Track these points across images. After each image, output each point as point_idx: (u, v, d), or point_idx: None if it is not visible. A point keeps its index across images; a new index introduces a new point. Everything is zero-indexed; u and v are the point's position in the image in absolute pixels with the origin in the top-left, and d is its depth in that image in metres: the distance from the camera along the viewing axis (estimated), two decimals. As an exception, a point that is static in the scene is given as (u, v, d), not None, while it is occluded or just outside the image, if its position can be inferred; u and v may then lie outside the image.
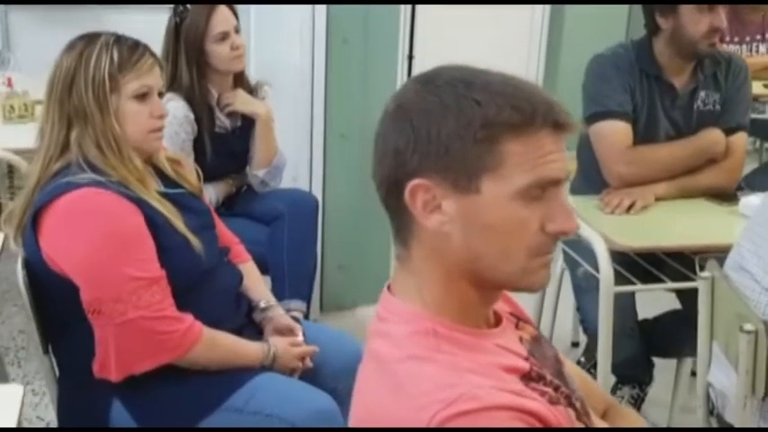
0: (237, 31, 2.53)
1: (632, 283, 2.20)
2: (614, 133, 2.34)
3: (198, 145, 2.50)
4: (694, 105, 2.39)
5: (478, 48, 5.07)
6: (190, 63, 2.47)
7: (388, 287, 1.05)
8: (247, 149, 2.64)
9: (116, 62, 1.67)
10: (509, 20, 5.25)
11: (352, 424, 1.03)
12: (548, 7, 5.29)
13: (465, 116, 0.94)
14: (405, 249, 1.01)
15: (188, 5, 2.49)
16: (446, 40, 5.01)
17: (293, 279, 2.54)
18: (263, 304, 1.92)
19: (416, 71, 4.32)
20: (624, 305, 2.31)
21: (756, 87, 3.84)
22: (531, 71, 5.42)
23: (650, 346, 2.45)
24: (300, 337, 1.87)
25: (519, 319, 1.14)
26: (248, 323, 1.89)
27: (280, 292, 2.47)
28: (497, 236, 0.95)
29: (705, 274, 1.75)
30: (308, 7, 2.92)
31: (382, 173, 0.99)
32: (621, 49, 2.43)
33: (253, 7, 3.60)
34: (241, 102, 2.56)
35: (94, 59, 1.67)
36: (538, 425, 0.91)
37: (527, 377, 0.98)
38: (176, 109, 2.41)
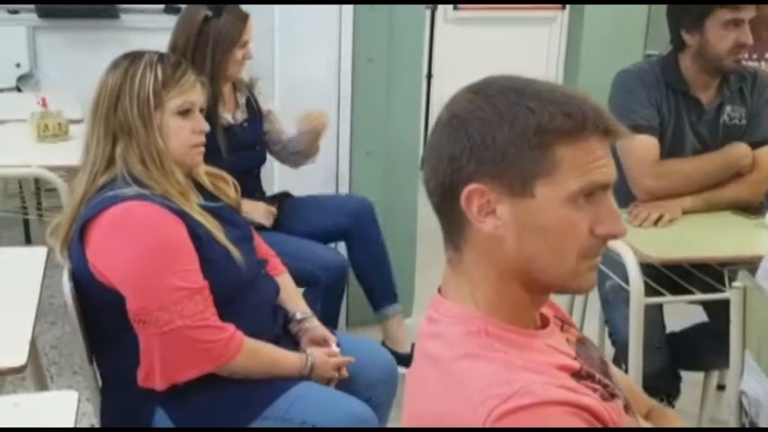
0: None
1: (661, 296, 2.22)
2: (641, 147, 2.36)
3: (210, 143, 2.51)
4: (720, 120, 2.42)
5: (495, 68, 5.13)
6: (215, 62, 2.50)
7: (439, 290, 1.09)
8: (258, 141, 2.69)
9: (160, 79, 1.72)
10: (526, 40, 5.33)
11: (407, 423, 1.06)
12: (565, 28, 5.36)
13: (519, 123, 0.98)
14: (457, 253, 1.05)
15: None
16: (463, 61, 5.09)
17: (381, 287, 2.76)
18: (299, 315, 1.96)
19: (435, 90, 4.42)
20: (652, 318, 2.33)
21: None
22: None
23: (677, 359, 2.47)
24: (336, 348, 1.90)
25: (563, 323, 1.17)
26: (284, 334, 1.93)
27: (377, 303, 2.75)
28: (550, 238, 0.99)
29: (737, 284, 1.77)
30: (334, 26, 2.98)
31: (437, 179, 1.03)
32: (647, 65, 2.47)
33: (278, 25, 3.66)
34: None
35: (139, 77, 1.72)
36: (592, 420, 0.94)
37: (578, 375, 1.01)
38: None
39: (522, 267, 1.01)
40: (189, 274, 1.66)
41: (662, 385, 2.51)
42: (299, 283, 2.60)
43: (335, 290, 2.66)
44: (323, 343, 1.91)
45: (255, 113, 2.70)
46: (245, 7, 2.61)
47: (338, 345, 1.93)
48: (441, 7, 5.05)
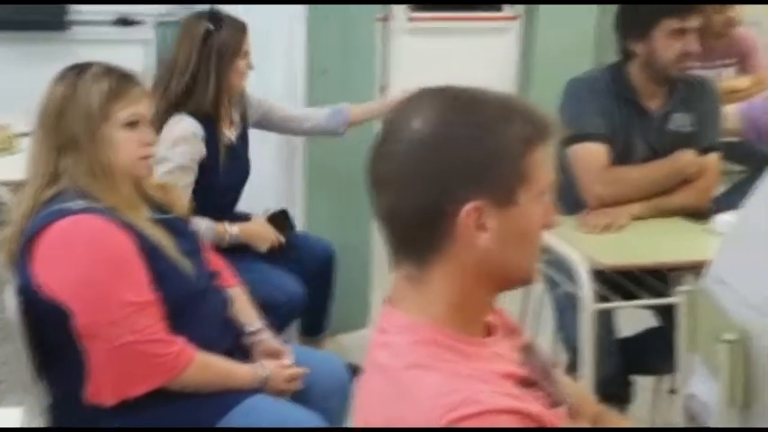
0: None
1: (611, 302, 2.24)
2: (591, 155, 2.40)
3: (209, 162, 2.51)
4: (668, 127, 2.46)
5: (451, 79, 5.16)
6: (219, 76, 2.50)
7: (389, 301, 1.09)
8: (247, 155, 2.70)
9: (107, 91, 1.70)
10: (480, 50, 5.37)
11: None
12: (519, 38, 5.42)
13: (501, 134, 1.00)
14: (422, 269, 1.03)
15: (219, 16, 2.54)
16: (418, 72, 5.10)
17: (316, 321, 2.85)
18: (252, 328, 1.95)
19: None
20: (603, 323, 2.36)
21: (734, 109, 3.95)
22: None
23: (629, 364, 2.49)
24: (290, 360, 1.89)
25: (511, 330, 1.18)
26: (237, 347, 1.91)
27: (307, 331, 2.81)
28: (530, 240, 1.04)
29: (684, 288, 1.80)
30: (288, 37, 2.98)
31: (416, 201, 1.00)
32: (597, 73, 2.51)
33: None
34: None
35: (86, 89, 1.70)
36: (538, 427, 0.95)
37: (524, 383, 1.02)
38: (187, 128, 2.45)
39: (501, 273, 1.04)
40: (138, 288, 1.64)
41: (615, 391, 2.54)
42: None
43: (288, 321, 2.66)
44: (276, 355, 1.90)
45: (246, 128, 2.70)
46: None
47: (292, 356, 1.92)
48: (395, 18, 5.07)
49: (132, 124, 1.73)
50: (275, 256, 2.65)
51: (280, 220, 2.73)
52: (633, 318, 2.59)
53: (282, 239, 2.68)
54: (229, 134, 2.60)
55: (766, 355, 1.58)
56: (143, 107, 1.75)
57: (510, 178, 1.00)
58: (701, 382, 1.78)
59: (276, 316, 2.47)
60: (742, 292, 1.64)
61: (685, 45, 2.33)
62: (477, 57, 5.36)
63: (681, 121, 2.45)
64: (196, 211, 2.34)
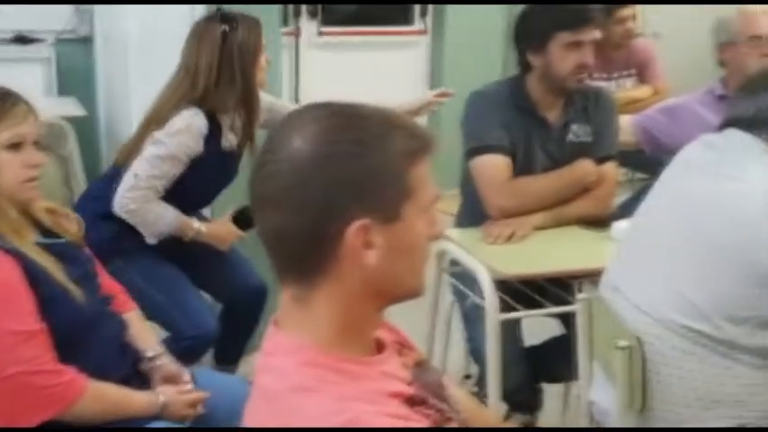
0: None
1: (516, 311, 2.27)
2: (493, 167, 2.42)
3: (201, 162, 2.46)
4: (567, 138, 2.50)
5: (362, 93, 5.18)
6: (245, 74, 2.45)
7: (275, 322, 1.06)
8: (238, 166, 2.64)
9: None
10: (391, 64, 5.41)
11: None
12: (428, 51, 5.47)
13: (382, 150, 0.98)
14: (308, 289, 1.01)
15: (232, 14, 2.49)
16: (330, 86, 5.10)
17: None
18: (150, 353, 1.89)
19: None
20: (510, 333, 2.38)
21: (628, 120, 4.06)
22: (415, 112, 5.54)
23: (537, 372, 2.52)
24: (189, 384, 1.84)
25: (403, 346, 1.17)
26: (135, 373, 1.85)
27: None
28: (415, 254, 1.03)
29: (582, 296, 1.83)
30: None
31: (302, 222, 0.98)
32: (497, 86, 2.54)
33: (132, 52, 3.57)
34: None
35: None
36: None
37: (411, 401, 1.01)
38: (194, 122, 2.41)
39: (387, 288, 1.02)
40: (24, 317, 1.58)
41: (523, 399, 2.57)
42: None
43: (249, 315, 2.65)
44: (175, 380, 1.84)
45: (249, 135, 2.61)
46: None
47: (193, 380, 1.87)
48: (305, 33, 5.06)
49: (15, 146, 1.66)
50: (207, 278, 2.63)
51: (243, 216, 2.66)
52: (543, 326, 2.63)
53: (244, 236, 2.65)
54: (231, 139, 2.55)
55: (660, 360, 1.62)
56: (27, 127, 1.68)
57: (395, 194, 0.99)
58: (600, 388, 1.81)
59: (182, 348, 2.42)
60: (634, 298, 1.68)
61: (581, 57, 2.38)
62: (388, 70, 5.39)
63: (579, 132, 2.50)
64: (168, 200, 2.41)
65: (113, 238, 2.41)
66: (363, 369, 1.01)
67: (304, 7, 5.03)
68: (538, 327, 2.60)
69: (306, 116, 1.03)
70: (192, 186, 2.47)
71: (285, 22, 4.96)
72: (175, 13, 3.01)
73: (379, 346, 1.10)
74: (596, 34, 2.40)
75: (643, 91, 4.25)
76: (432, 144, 1.03)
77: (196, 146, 2.43)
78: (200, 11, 2.94)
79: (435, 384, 1.14)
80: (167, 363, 1.89)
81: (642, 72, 4.29)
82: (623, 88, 4.30)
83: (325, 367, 0.98)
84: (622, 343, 1.58)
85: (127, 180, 2.41)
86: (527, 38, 2.43)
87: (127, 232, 2.44)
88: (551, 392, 2.67)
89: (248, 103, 2.50)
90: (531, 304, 2.32)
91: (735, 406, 1.61)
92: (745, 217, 1.55)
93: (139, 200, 2.40)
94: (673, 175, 1.78)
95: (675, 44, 5.15)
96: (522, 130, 2.46)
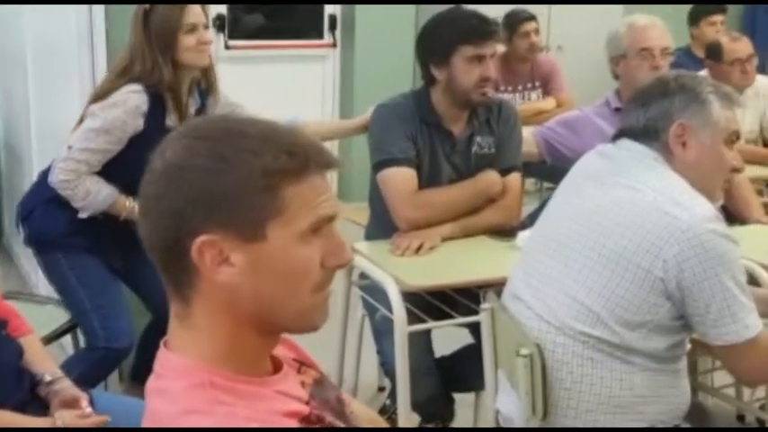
0: (207, 27, 2.50)
1: (426, 322, 2.28)
2: (400, 179, 2.44)
3: (141, 140, 2.38)
4: (472, 150, 2.53)
5: (271, 106, 5.15)
6: (165, 54, 2.39)
7: (165, 344, 1.04)
8: None
9: None
10: (300, 77, 5.39)
11: None
12: (338, 64, 5.48)
13: (244, 167, 0.95)
14: (185, 306, 1.00)
15: None
16: (238, 100, 5.05)
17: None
18: (47, 377, 1.82)
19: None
20: (420, 345, 2.39)
21: (529, 132, 4.15)
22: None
23: (449, 382, 2.54)
24: (88, 408, 1.79)
25: (302, 364, 1.15)
26: (32, 399, 1.79)
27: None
28: (285, 279, 0.98)
29: (485, 305, 1.85)
30: (87, 65, 2.87)
31: (159, 234, 0.97)
32: (402, 99, 2.55)
33: (31, 68, 3.49)
34: None
35: None
36: None
37: (307, 420, 1.00)
38: (131, 97, 2.37)
39: (257, 312, 0.99)
40: None
41: (435, 410, 2.58)
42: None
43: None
44: (75, 404, 1.78)
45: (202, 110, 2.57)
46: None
47: (93, 403, 1.81)
48: (212, 46, 4.99)
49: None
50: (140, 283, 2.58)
51: None
52: (454, 336, 2.64)
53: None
54: (174, 119, 2.47)
55: (560, 367, 1.65)
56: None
57: (255, 211, 0.96)
58: (505, 397, 1.83)
59: (96, 358, 2.36)
60: (535, 306, 1.71)
61: (484, 70, 2.41)
62: (298, 84, 5.37)
63: (483, 144, 2.54)
64: (108, 178, 2.38)
65: (64, 233, 2.41)
66: (257, 389, 0.99)
67: (210, 20, 4.97)
68: (454, 337, 2.62)
69: (190, 127, 1.02)
70: (132, 164, 2.39)
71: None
72: (71, 23, 2.94)
73: (277, 365, 1.08)
74: (498, 48, 2.44)
75: (547, 103, 4.36)
76: (313, 164, 0.98)
77: (133, 122, 2.39)
78: (99, 20, 2.88)
79: (334, 401, 1.13)
80: (66, 387, 1.83)
81: (546, 85, 4.41)
82: (528, 100, 4.40)
83: (216, 388, 0.96)
84: (523, 351, 1.61)
85: (62, 152, 2.40)
86: (430, 51, 2.46)
87: (81, 230, 2.42)
88: (463, 402, 2.69)
89: (176, 85, 2.43)
90: (441, 315, 2.33)
91: (636, 409, 1.65)
92: (637, 224, 1.60)
93: (71, 172, 2.37)
94: (569, 185, 1.82)
95: (578, 57, 5.30)
96: (427, 143, 2.49)
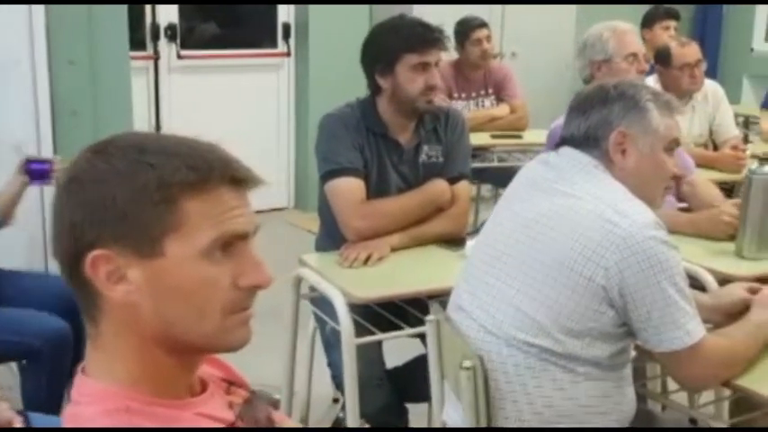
0: None
1: (375, 334, 2.25)
2: (347, 189, 2.41)
3: None
4: (420, 159, 2.52)
5: (226, 115, 5.13)
6: None
7: (83, 369, 1.00)
8: None
9: None
10: (256, 86, 5.35)
11: None
12: (292, 73, 5.45)
13: (140, 180, 0.93)
14: (94, 326, 0.97)
15: None
16: (194, 110, 5.01)
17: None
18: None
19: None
20: (371, 356, 2.37)
21: (484, 139, 4.16)
22: (282, 132, 5.53)
23: (402, 392, 2.52)
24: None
25: (231, 384, 1.12)
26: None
27: None
28: (188, 297, 0.94)
29: (430, 317, 1.83)
30: (29, 77, 2.81)
31: (62, 249, 0.95)
32: (348, 109, 2.52)
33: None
34: None
35: None
36: None
37: None
38: None
39: (163, 332, 0.95)
40: None
41: (389, 421, 2.55)
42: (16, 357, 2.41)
43: (61, 362, 2.44)
44: (8, 425, 1.73)
45: None
46: None
47: (27, 423, 1.76)
48: (164, 56, 4.94)
49: None
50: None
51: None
52: (407, 347, 2.62)
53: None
54: None
55: (503, 378, 1.63)
56: None
57: (151, 226, 0.92)
58: (451, 408, 1.81)
59: (38, 362, 2.29)
60: (479, 317, 1.69)
61: (428, 78, 2.40)
62: (253, 93, 5.33)
63: (431, 153, 2.52)
64: None
65: None
66: (176, 412, 0.96)
67: (162, 31, 4.92)
68: (408, 347, 2.60)
69: (98, 142, 0.99)
70: None
71: (143, 45, 4.85)
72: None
73: (203, 386, 1.05)
74: (442, 56, 2.43)
75: (501, 110, 4.37)
76: (215, 179, 0.94)
77: None
78: (39, 34, 2.82)
79: (264, 421, 1.10)
80: (1, 409, 1.77)
81: (500, 92, 4.42)
82: (482, 107, 4.41)
83: (132, 413, 0.93)
84: (466, 363, 1.59)
85: None
86: (374, 60, 2.44)
87: None
88: (417, 412, 2.67)
89: None
90: (391, 326, 2.31)
91: (579, 419, 1.64)
92: (578, 232, 1.59)
93: None
94: (512, 193, 1.81)
95: (532, 63, 5.32)
96: (374, 152, 2.47)
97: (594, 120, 1.71)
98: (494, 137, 4.17)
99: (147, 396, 0.95)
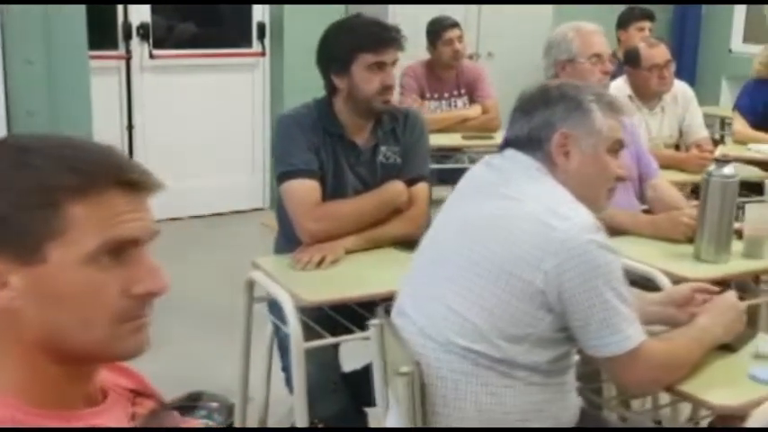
0: None
1: (326, 338, 2.22)
2: (302, 191, 2.38)
3: None
4: (377, 160, 2.49)
5: (200, 115, 5.09)
6: None
7: None
8: None
9: None
10: (230, 86, 5.31)
11: None
12: (267, 73, 5.41)
13: (20, 184, 0.90)
14: None
15: None
16: (167, 109, 4.97)
17: None
18: None
19: (138, 141, 4.31)
20: (326, 360, 2.34)
21: (455, 139, 4.14)
22: (257, 132, 5.49)
23: (358, 396, 2.49)
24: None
25: (138, 394, 1.09)
26: None
27: None
28: (72, 305, 0.91)
29: (374, 321, 1.80)
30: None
31: None
32: (305, 109, 2.49)
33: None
34: None
35: None
36: None
37: None
38: None
39: (47, 339, 0.92)
40: None
41: (345, 425, 2.52)
42: None
43: None
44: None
45: None
46: None
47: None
48: (136, 56, 4.90)
49: None
50: None
51: None
52: (367, 351, 2.58)
53: None
54: None
55: (440, 384, 1.61)
56: None
57: (31, 231, 0.89)
58: (393, 413, 1.78)
59: None
60: (419, 322, 1.67)
61: (384, 78, 2.37)
62: (228, 93, 5.29)
63: (388, 154, 2.49)
64: None
65: None
66: (64, 424, 0.93)
67: (134, 30, 4.88)
68: (365, 351, 2.56)
69: None
70: None
71: (115, 45, 4.81)
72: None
73: (105, 395, 1.02)
74: (398, 56, 2.40)
75: (473, 110, 4.35)
76: (102, 182, 0.91)
77: None
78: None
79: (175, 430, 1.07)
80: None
81: (472, 92, 4.39)
82: (455, 108, 4.38)
83: (18, 424, 0.89)
84: (403, 369, 1.56)
85: None
86: (330, 60, 2.41)
87: None
88: (377, 416, 2.64)
89: None
90: (345, 330, 2.28)
91: (518, 425, 1.61)
92: (516, 235, 1.57)
93: None
94: (456, 196, 1.78)
95: (509, 64, 5.30)
96: (331, 153, 2.43)
97: (537, 121, 1.69)
98: (465, 138, 4.14)
99: (34, 407, 0.92)
